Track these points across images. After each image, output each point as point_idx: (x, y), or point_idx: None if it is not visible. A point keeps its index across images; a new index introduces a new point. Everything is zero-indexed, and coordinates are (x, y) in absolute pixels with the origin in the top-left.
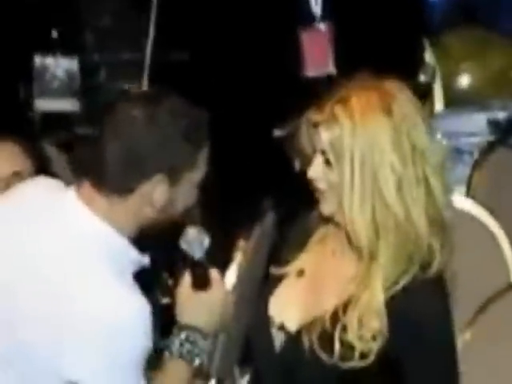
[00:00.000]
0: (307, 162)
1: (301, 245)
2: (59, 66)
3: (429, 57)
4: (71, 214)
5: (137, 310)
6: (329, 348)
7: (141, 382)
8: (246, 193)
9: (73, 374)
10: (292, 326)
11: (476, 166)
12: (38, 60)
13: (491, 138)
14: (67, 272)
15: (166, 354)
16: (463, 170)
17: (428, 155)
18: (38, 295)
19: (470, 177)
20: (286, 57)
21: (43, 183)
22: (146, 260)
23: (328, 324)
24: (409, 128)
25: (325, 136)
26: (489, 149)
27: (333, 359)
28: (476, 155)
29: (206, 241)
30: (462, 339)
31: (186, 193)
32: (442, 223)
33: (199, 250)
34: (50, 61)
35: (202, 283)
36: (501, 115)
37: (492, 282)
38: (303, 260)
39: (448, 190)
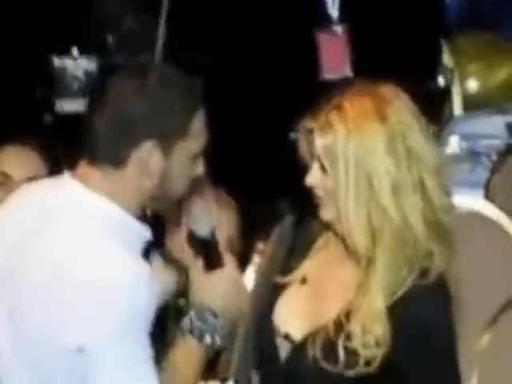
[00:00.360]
0: (307, 169)
1: (305, 252)
2: (78, 66)
3: (447, 59)
4: (69, 196)
5: (141, 275)
6: (333, 356)
7: (147, 349)
8: (265, 195)
9: (77, 340)
10: (297, 335)
11: (494, 168)
12: (56, 61)
13: (509, 140)
14: (72, 244)
15: (179, 331)
16: (481, 173)
17: (425, 159)
18: (42, 267)
19: (489, 180)
20: (302, 59)
21: (47, 181)
22: (147, 233)
23: (331, 332)
24: (404, 132)
25: (319, 142)
26: (507, 151)
27: (337, 368)
28: (494, 158)
29: (213, 218)
30: (479, 344)
31: (183, 164)
32: (441, 227)
33: (205, 226)
34: (68, 62)
35: (211, 263)
36: None
37: (509, 284)
38: (306, 267)
39: (447, 193)
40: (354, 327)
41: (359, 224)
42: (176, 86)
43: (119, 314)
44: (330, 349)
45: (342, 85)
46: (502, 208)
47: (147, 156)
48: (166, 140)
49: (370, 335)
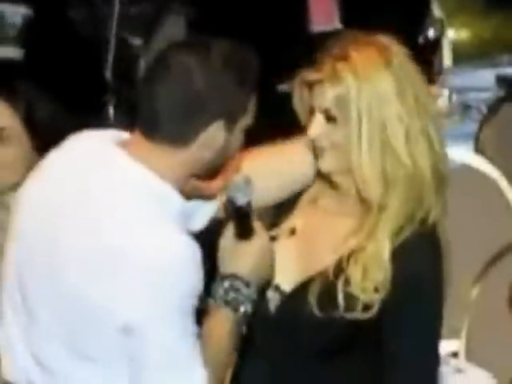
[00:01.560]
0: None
1: (291, 205)
2: (16, 12)
3: (437, 11)
4: (118, 168)
5: (188, 252)
6: (330, 303)
7: (192, 327)
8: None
9: (125, 317)
10: (287, 285)
11: (484, 121)
12: None
13: (500, 93)
14: (116, 217)
15: (212, 302)
16: (471, 126)
17: (429, 108)
18: (83, 240)
19: (478, 132)
20: (292, 12)
21: (95, 137)
22: (188, 205)
23: (330, 279)
24: (410, 80)
25: (329, 93)
26: (497, 104)
27: (334, 315)
28: (484, 111)
29: (252, 190)
30: (469, 296)
31: (238, 138)
32: (441, 177)
33: (243, 197)
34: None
35: (244, 233)
36: (509, 71)
37: (499, 237)
38: (294, 220)
39: (443, 145)
40: (354, 272)
41: (374, 172)
42: (238, 64)
43: (166, 290)
44: (327, 295)
45: (332, 37)
46: (491, 160)
47: (213, 134)
48: (233, 118)
49: (370, 281)
